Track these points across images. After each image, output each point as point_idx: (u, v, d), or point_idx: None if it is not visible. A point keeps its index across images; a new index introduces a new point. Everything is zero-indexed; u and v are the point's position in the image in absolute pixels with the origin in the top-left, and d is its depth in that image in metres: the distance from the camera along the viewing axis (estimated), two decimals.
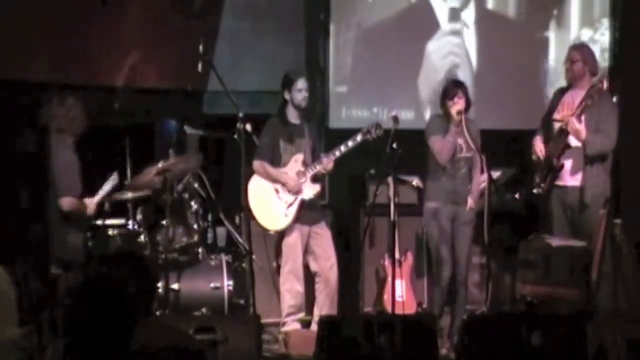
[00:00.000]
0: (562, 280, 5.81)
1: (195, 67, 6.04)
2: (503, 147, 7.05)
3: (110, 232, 6.12)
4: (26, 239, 6.06)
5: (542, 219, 6.33)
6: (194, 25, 7.18)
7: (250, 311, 5.97)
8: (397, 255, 6.41)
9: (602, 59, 7.43)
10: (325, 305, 6.21)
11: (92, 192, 6.05)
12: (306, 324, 6.33)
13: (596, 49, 7.04)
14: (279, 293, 6.33)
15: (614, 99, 7.03)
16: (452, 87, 6.20)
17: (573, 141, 6.09)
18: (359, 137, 6.23)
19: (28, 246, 6.04)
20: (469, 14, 7.72)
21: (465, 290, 6.27)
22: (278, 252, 6.39)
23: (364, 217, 6.82)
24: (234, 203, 6.55)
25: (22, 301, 3.75)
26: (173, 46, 7.05)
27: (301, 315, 6.29)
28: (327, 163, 6.24)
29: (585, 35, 7.74)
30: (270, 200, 6.24)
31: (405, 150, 5.89)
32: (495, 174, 6.59)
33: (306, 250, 6.28)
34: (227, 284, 6.16)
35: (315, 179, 6.30)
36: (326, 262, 6.26)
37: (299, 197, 6.23)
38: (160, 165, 6.06)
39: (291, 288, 6.22)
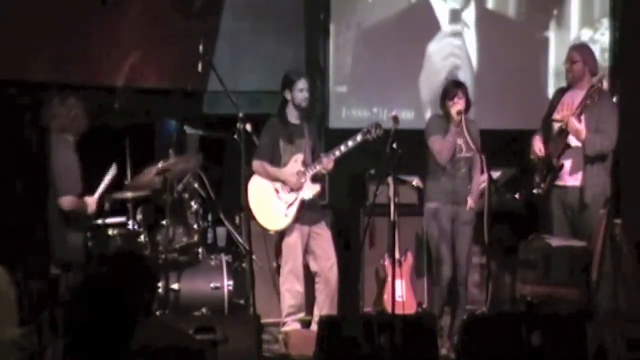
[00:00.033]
0: (562, 280, 5.81)
1: (195, 67, 6.04)
2: (503, 147, 7.06)
3: (110, 232, 6.12)
4: (26, 239, 6.06)
5: (542, 219, 6.33)
6: (194, 25, 7.19)
7: (250, 311, 5.97)
8: (397, 255, 6.41)
9: (602, 59, 7.43)
10: (325, 305, 6.21)
11: (92, 192, 6.06)
12: (306, 324, 6.33)
13: (596, 49, 7.04)
14: (279, 293, 6.33)
15: (614, 99, 7.04)
16: (452, 87, 6.20)
17: (573, 141, 6.09)
18: (359, 137, 6.22)
19: (28, 246, 6.04)
20: (469, 14, 7.72)
21: (465, 290, 6.27)
22: (278, 252, 6.39)
23: (364, 217, 6.82)
24: (234, 203, 6.55)
25: (22, 301, 3.75)
26: (173, 46, 7.05)
27: (301, 315, 6.29)
28: (327, 163, 6.24)
29: (585, 35, 7.74)
30: (270, 200, 6.24)
31: (405, 150, 5.89)
32: (495, 174, 6.59)
33: (306, 250, 6.28)
34: (227, 284, 6.16)
35: (315, 178, 6.30)
36: (326, 262, 6.26)
37: (299, 197, 6.23)
38: (160, 165, 6.07)
39: (291, 288, 6.22)
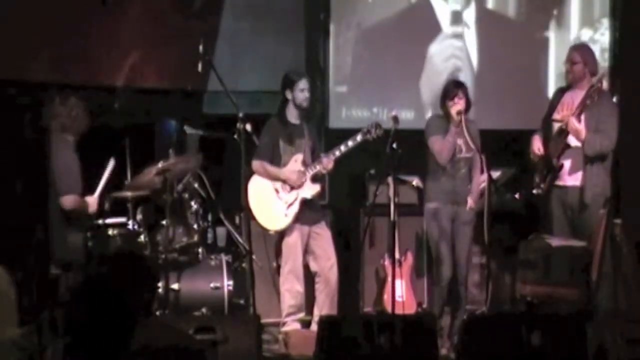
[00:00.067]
0: (562, 280, 5.81)
1: (195, 67, 6.04)
2: (503, 147, 7.06)
3: (110, 232, 6.12)
4: (26, 239, 6.05)
5: (542, 219, 6.33)
6: (194, 25, 7.18)
7: (250, 311, 5.97)
8: (397, 255, 6.41)
9: (602, 59, 7.43)
10: (325, 305, 6.21)
11: (92, 192, 6.06)
12: (306, 324, 6.33)
13: (596, 49, 7.04)
14: (279, 293, 6.33)
15: (614, 99, 7.04)
16: (452, 87, 6.20)
17: (573, 141, 6.09)
18: (359, 137, 6.23)
19: (28, 246, 6.03)
20: (469, 14, 7.72)
21: (465, 290, 6.27)
22: (278, 252, 6.39)
23: (364, 217, 6.82)
24: (234, 203, 6.55)
25: (22, 301, 3.74)
26: (173, 46, 7.05)
27: (301, 315, 6.29)
28: (327, 163, 6.24)
29: (585, 35, 7.74)
30: (270, 200, 6.24)
31: (405, 150, 5.90)
32: (495, 174, 6.59)
33: (306, 250, 6.28)
34: (227, 284, 6.16)
35: (315, 178, 6.30)
36: (326, 262, 6.26)
37: (299, 197, 6.23)
38: (160, 165, 6.07)
39: (291, 288, 6.22)
